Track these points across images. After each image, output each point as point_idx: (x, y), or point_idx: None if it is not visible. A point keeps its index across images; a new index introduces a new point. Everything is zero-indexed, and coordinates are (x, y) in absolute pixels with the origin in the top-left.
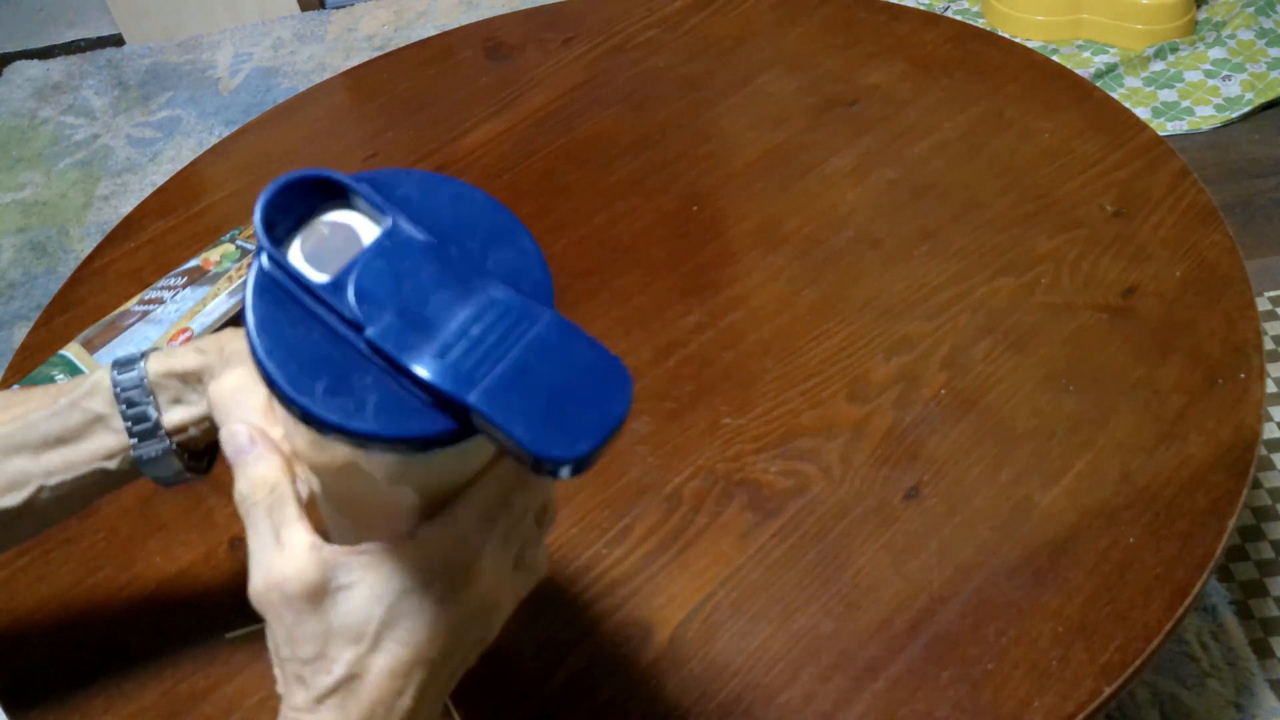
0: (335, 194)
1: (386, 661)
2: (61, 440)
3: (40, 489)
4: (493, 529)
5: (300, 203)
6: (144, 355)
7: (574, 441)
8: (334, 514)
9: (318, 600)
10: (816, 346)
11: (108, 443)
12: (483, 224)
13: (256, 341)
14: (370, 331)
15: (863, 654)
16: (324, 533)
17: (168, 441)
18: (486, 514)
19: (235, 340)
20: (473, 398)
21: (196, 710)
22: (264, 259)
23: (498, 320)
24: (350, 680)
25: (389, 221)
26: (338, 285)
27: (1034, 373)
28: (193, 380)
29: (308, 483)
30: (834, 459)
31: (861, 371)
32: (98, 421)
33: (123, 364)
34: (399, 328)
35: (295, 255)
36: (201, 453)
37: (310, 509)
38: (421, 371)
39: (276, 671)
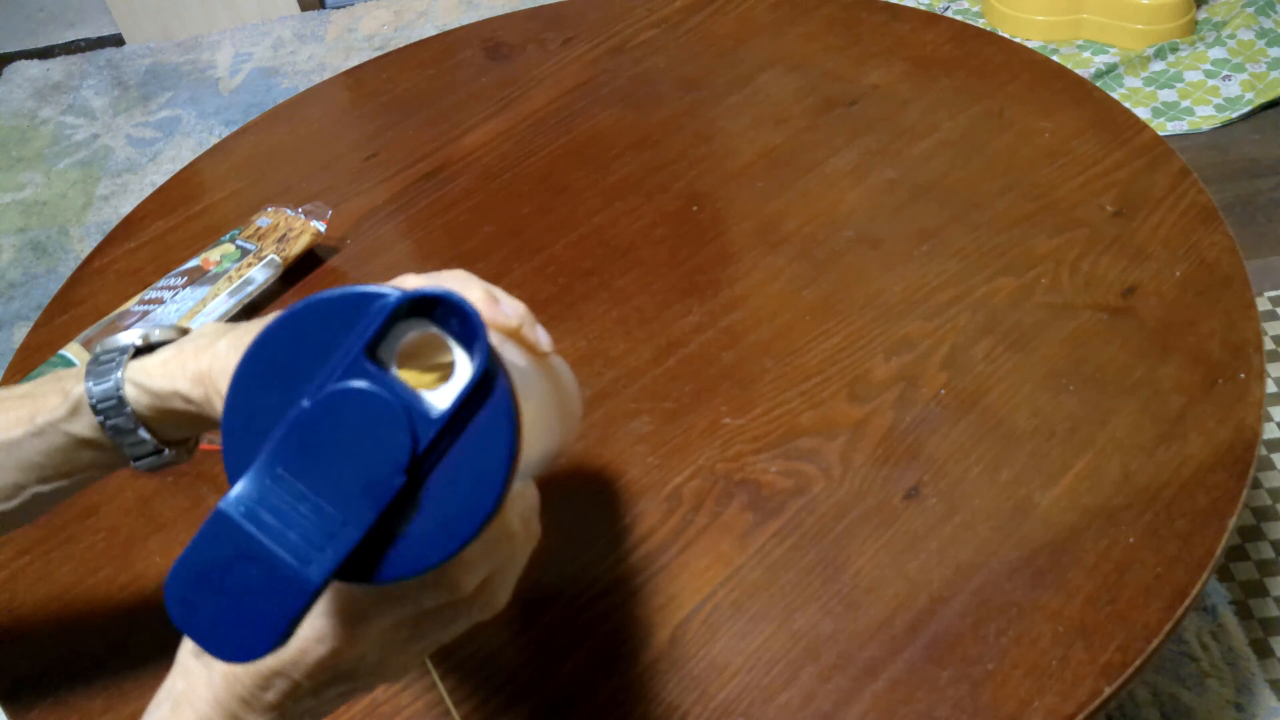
0: (467, 335)
1: None
2: (49, 457)
3: (35, 495)
4: (406, 623)
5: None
6: (116, 362)
7: (191, 620)
8: None
9: None
10: (816, 346)
11: (100, 458)
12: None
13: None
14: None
15: (863, 654)
16: None
17: (166, 454)
18: (402, 613)
19: (221, 379)
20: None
21: None
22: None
23: (308, 515)
24: None
25: (446, 405)
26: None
27: (1034, 373)
28: (184, 419)
29: None
30: (834, 459)
31: (861, 371)
32: (85, 444)
33: (97, 376)
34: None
35: (403, 337)
36: (186, 438)
37: None
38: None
39: None
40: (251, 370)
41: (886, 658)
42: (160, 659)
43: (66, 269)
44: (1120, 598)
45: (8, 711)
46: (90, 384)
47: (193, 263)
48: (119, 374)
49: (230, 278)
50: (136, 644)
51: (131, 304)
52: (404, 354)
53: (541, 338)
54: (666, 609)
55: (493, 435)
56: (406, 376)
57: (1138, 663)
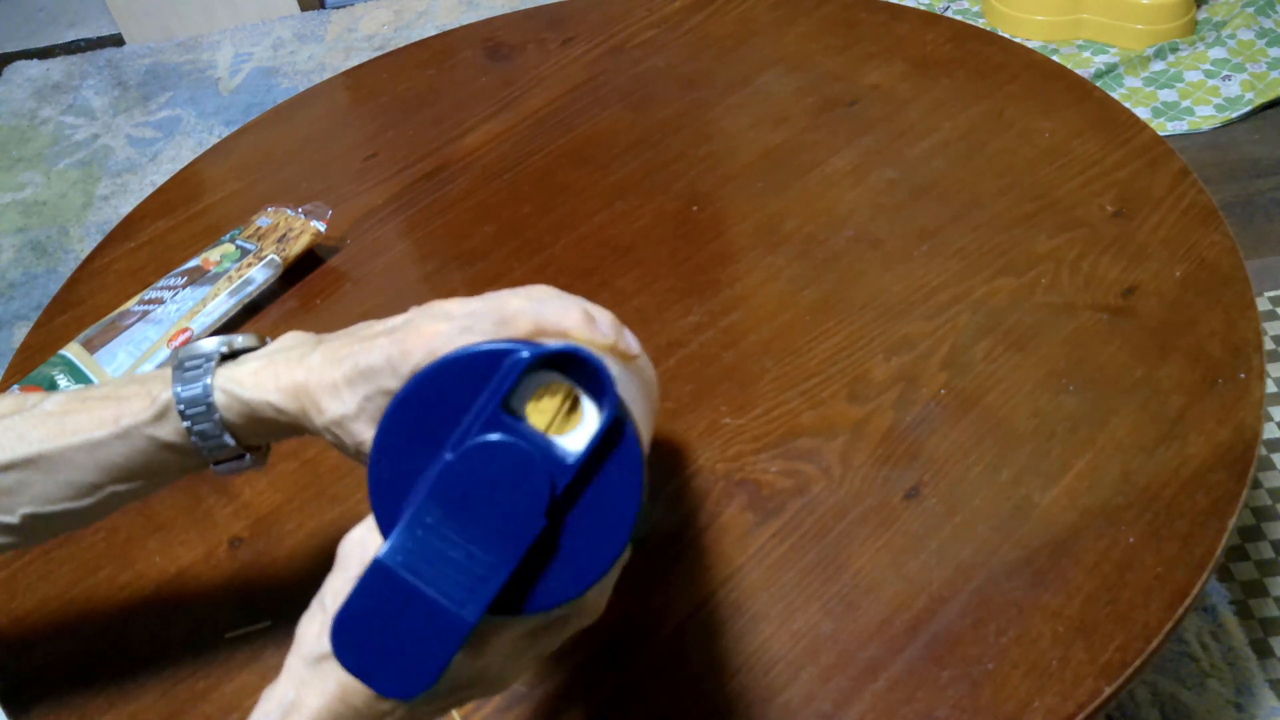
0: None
1: None
2: (130, 459)
3: (112, 494)
4: (531, 633)
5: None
6: (204, 368)
7: (357, 663)
8: None
9: None
10: (816, 346)
11: (182, 462)
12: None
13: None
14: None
15: (863, 654)
16: None
17: (248, 460)
18: (531, 622)
19: (314, 393)
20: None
21: (196, 710)
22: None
23: (458, 559)
24: None
25: (579, 448)
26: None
27: (1034, 373)
28: (273, 427)
29: None
30: (834, 459)
31: (861, 371)
32: (169, 449)
33: (185, 381)
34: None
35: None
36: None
37: None
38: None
39: (309, 614)
40: (394, 427)
41: (886, 658)
42: (160, 659)
43: (66, 269)
44: (1120, 598)
45: (8, 711)
46: (179, 389)
47: (193, 263)
48: (208, 380)
49: (230, 278)
50: (136, 644)
51: (131, 304)
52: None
53: (631, 343)
54: (666, 609)
55: (622, 476)
56: (531, 414)
57: (1138, 663)
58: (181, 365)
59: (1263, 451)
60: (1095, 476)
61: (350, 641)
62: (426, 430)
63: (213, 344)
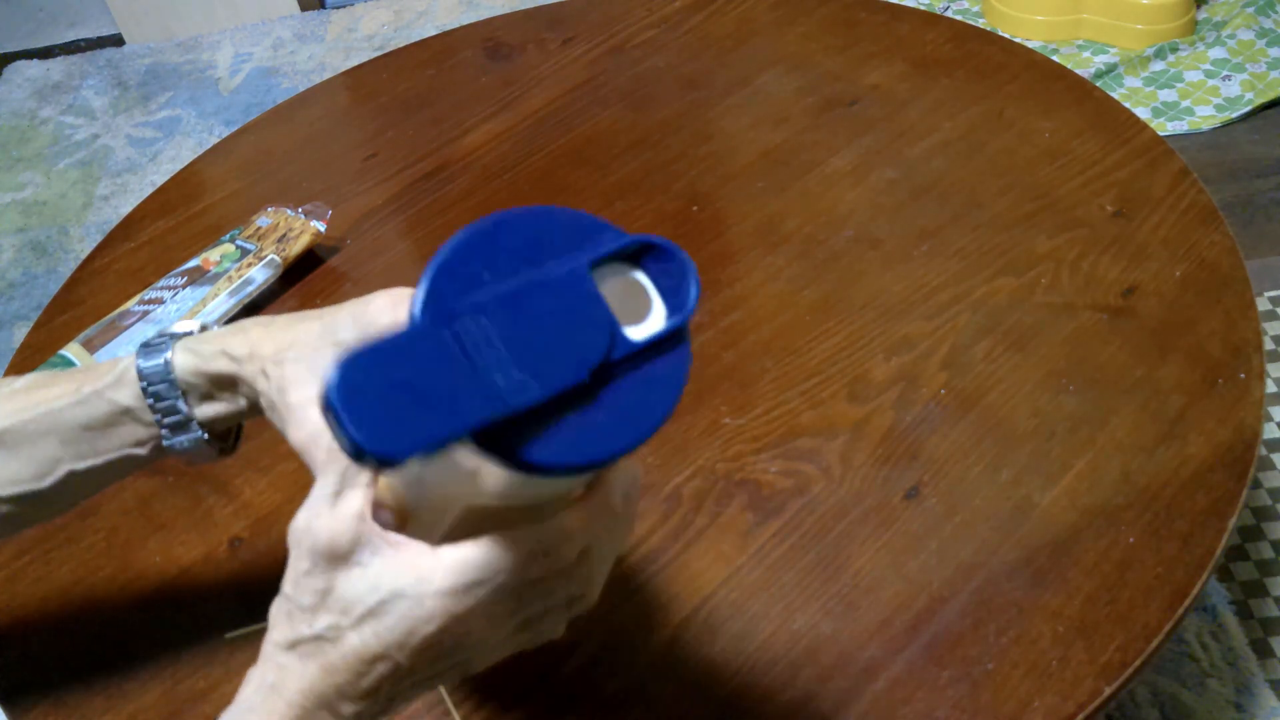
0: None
1: (357, 642)
2: (88, 428)
3: (70, 473)
4: (510, 594)
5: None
6: (169, 342)
7: (350, 404)
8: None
9: (335, 562)
10: (816, 346)
11: (137, 433)
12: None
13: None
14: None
15: (863, 654)
16: (379, 503)
17: (199, 432)
18: (508, 582)
19: (266, 342)
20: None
21: (196, 710)
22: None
23: (495, 368)
24: (321, 641)
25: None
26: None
27: (1034, 373)
28: (224, 384)
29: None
30: (834, 459)
31: (861, 371)
32: (125, 414)
33: (148, 353)
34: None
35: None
36: (226, 433)
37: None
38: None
39: (277, 602)
40: (480, 238)
41: (886, 658)
42: (160, 659)
43: (66, 269)
44: (1120, 598)
45: (8, 711)
46: (141, 354)
47: (193, 263)
48: (171, 346)
49: (230, 278)
50: (136, 644)
51: (131, 304)
52: None
53: None
54: (666, 609)
55: (667, 379)
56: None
57: (1138, 663)
58: (150, 340)
59: (1263, 451)
60: (1095, 476)
61: (354, 381)
62: (507, 254)
63: (187, 326)
